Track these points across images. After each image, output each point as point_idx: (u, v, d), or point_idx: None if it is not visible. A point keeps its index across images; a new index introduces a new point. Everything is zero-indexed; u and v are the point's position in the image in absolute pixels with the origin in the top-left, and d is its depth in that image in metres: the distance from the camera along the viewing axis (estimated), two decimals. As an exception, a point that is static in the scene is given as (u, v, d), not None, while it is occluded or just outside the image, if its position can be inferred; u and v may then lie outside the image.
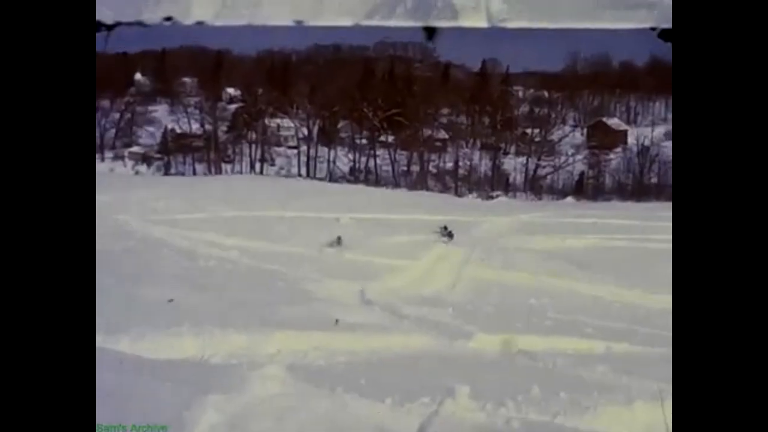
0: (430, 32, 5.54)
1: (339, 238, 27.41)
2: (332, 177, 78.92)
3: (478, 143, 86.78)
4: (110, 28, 5.29)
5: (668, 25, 4.91)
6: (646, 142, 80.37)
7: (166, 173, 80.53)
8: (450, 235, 29.70)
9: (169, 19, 5.25)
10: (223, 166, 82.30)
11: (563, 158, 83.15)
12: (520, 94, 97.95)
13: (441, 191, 75.03)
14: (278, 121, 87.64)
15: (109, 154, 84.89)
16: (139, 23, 5.28)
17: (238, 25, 5.54)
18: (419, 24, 5.38)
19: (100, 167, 77.77)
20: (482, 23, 5.30)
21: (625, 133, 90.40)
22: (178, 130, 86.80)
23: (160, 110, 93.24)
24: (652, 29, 5.09)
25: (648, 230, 31.83)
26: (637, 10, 5.15)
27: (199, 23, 5.33)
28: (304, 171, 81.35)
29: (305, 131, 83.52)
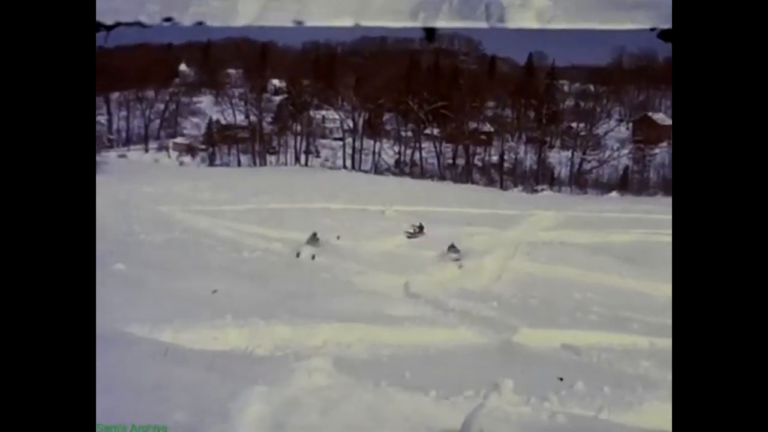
0: (430, 33, 5.54)
1: (314, 235, 24.64)
2: (377, 169, 79.04)
3: (524, 137, 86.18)
4: (109, 28, 5.31)
5: (668, 25, 4.89)
6: (691, 137, 79.45)
7: (211, 164, 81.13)
8: (455, 250, 25.48)
9: (168, 19, 5.26)
10: (268, 157, 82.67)
11: (608, 152, 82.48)
12: (566, 87, 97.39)
13: (486, 184, 75.09)
14: (323, 113, 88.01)
15: (153, 145, 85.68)
16: (139, 23, 5.29)
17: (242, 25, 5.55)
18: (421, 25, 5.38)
19: (145, 158, 78.70)
20: (482, 23, 5.29)
21: (670, 128, 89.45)
22: (223, 122, 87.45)
23: (204, 101, 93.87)
24: (652, 29, 5.08)
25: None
26: (636, 10, 5.12)
27: (199, 23, 5.33)
28: (349, 163, 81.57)
29: (350, 123, 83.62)
